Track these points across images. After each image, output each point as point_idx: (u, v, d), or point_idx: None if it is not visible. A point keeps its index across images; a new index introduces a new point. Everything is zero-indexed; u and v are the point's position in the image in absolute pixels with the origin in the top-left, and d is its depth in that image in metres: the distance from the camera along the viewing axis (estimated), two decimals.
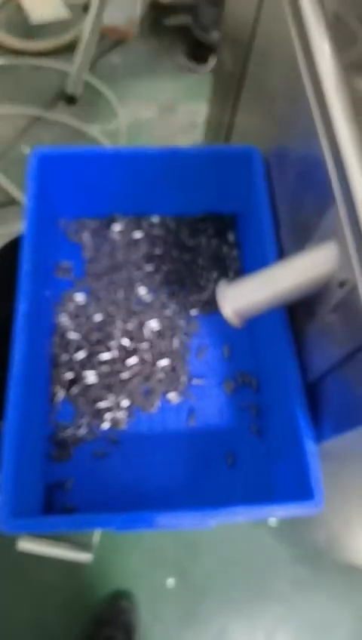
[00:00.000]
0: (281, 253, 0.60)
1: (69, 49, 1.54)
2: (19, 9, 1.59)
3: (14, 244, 0.63)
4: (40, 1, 1.58)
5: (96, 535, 0.86)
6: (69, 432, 0.63)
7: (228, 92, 0.83)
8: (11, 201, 1.30)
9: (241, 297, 0.48)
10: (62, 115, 1.43)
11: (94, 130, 1.42)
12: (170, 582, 0.97)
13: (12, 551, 0.65)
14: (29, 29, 1.57)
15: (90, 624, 0.91)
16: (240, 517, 0.48)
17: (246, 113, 0.79)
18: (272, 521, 1.02)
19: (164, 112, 1.50)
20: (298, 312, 0.55)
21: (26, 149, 1.38)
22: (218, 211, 0.78)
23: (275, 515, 0.48)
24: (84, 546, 0.71)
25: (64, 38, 1.52)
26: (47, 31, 1.56)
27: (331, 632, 0.96)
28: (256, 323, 0.66)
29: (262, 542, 1.01)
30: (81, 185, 0.71)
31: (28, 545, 0.64)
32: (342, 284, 0.42)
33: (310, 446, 0.50)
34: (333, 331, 0.46)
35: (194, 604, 0.96)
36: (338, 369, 0.47)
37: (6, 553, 0.89)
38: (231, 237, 0.77)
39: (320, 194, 0.46)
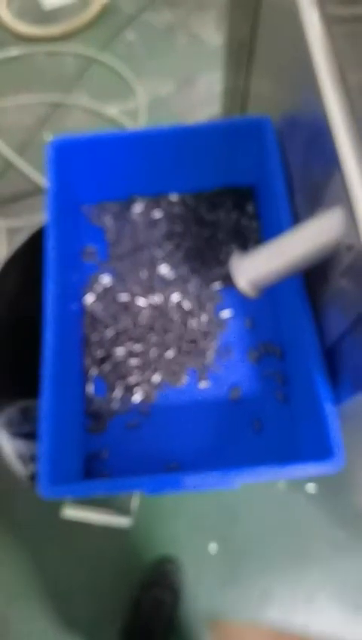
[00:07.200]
0: (296, 222, 0.60)
1: (83, 31, 1.55)
2: None
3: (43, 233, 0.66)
4: None
5: (135, 501, 0.91)
6: (103, 405, 0.67)
7: (241, 59, 0.82)
8: (39, 190, 1.33)
9: (253, 269, 0.49)
10: (81, 99, 1.45)
11: (113, 110, 1.43)
12: (212, 546, 1.01)
13: (58, 520, 0.71)
14: (42, 16, 1.58)
15: (138, 586, 0.97)
16: (263, 476, 0.50)
17: (260, 80, 0.78)
18: (310, 487, 1.03)
19: (183, 86, 1.49)
20: (312, 279, 0.56)
21: (49, 136, 1.41)
22: (235, 184, 0.78)
23: (297, 474, 0.50)
24: (124, 511, 0.77)
25: (78, 21, 1.52)
26: (60, 15, 1.57)
27: None
28: (276, 292, 0.68)
29: (301, 508, 1.03)
30: (99, 169, 0.73)
31: (71, 512, 0.69)
32: (349, 248, 0.43)
33: (329, 408, 0.52)
34: (346, 295, 0.47)
35: (236, 568, 1.00)
36: (352, 331, 0.48)
37: (53, 522, 0.95)
38: (250, 208, 0.78)
39: (326, 160, 0.46)
